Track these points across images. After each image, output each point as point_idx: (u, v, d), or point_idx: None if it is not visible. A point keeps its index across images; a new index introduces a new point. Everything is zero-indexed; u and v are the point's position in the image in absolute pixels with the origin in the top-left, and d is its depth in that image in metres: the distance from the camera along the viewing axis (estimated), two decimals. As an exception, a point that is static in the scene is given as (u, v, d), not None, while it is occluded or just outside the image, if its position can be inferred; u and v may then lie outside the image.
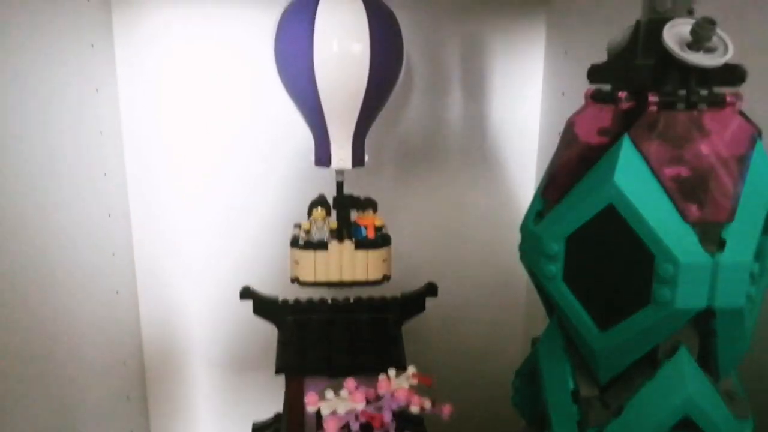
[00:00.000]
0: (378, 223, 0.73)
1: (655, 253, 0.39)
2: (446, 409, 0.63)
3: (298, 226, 0.73)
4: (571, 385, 0.45)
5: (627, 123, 0.42)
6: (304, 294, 0.74)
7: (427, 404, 0.62)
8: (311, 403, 0.59)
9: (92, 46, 0.78)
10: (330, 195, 0.72)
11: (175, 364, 0.95)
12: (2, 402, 0.58)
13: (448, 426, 0.66)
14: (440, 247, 0.95)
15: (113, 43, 0.84)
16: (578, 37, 0.82)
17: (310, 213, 0.71)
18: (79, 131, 0.74)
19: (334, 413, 0.58)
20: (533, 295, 0.57)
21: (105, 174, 0.81)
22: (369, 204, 0.73)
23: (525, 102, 0.94)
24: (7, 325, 0.59)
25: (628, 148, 0.40)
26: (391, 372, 0.63)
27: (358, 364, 0.69)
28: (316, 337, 0.72)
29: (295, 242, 0.70)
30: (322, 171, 0.71)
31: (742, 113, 0.42)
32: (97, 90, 0.79)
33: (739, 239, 0.39)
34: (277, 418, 0.80)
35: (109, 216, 0.82)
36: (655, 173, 0.40)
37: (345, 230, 0.70)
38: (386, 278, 0.72)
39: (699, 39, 0.40)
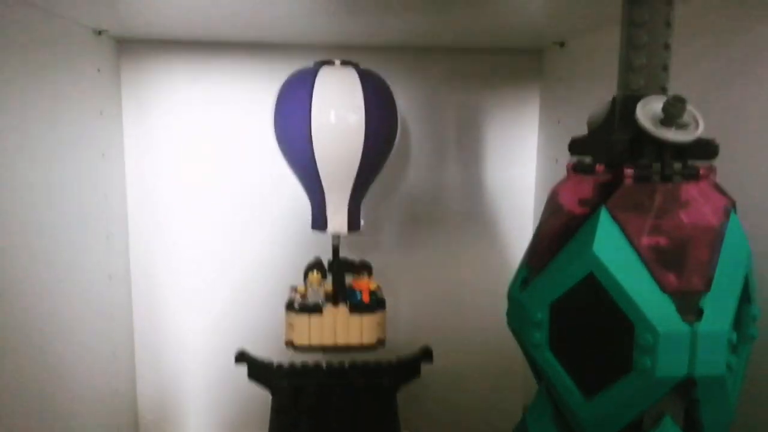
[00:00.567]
0: (373, 286, 0.74)
1: (634, 322, 0.40)
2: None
3: (294, 289, 0.75)
4: (558, 453, 0.45)
5: (605, 194, 0.43)
6: (298, 357, 0.75)
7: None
8: (302, 469, 0.59)
9: (101, 113, 0.81)
10: (326, 258, 0.73)
11: (169, 426, 0.95)
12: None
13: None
14: (438, 311, 0.96)
15: (121, 110, 0.87)
16: (570, 107, 0.85)
17: (306, 276, 0.72)
18: (84, 195, 0.76)
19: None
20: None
21: (107, 237, 0.83)
22: (364, 267, 0.74)
23: (521, 169, 0.96)
24: (12, 392, 0.59)
25: (606, 219, 0.42)
26: (384, 438, 0.63)
27: (351, 427, 0.68)
28: (310, 403, 0.72)
29: (290, 305, 0.71)
30: (320, 235, 0.73)
31: (716, 185, 0.44)
32: (103, 155, 0.81)
33: (717, 308, 0.40)
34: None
35: (110, 278, 0.84)
36: (633, 243, 0.41)
37: (340, 294, 0.71)
38: (381, 342, 0.72)
39: (670, 116, 0.42)
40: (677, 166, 0.43)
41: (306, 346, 0.70)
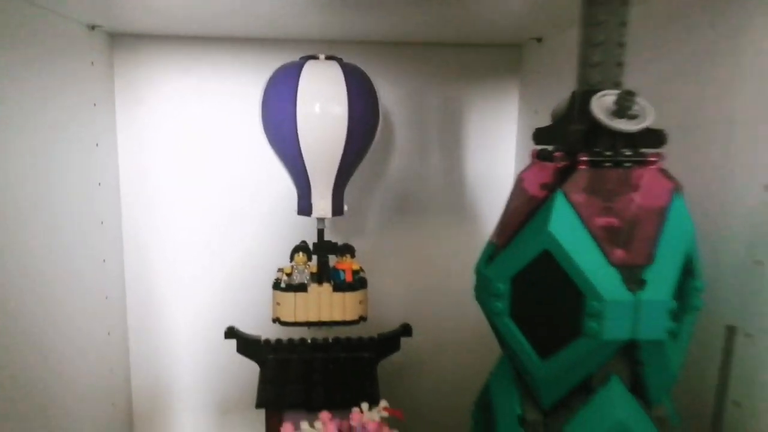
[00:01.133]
0: (355, 267, 0.78)
1: (584, 291, 0.45)
2: (415, 442, 0.67)
3: (280, 269, 0.79)
4: (519, 411, 0.50)
5: (562, 179, 0.48)
6: (285, 334, 0.79)
7: (396, 437, 0.66)
8: (288, 430, 0.64)
9: (94, 105, 0.84)
10: (311, 241, 0.78)
11: (162, 405, 0.99)
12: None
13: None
14: (418, 290, 1.01)
15: (114, 101, 0.91)
16: (547, 99, 0.90)
17: (292, 258, 0.76)
18: (79, 182, 0.80)
19: (308, 442, 0.62)
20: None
21: (101, 222, 0.87)
22: (347, 250, 0.78)
23: (500, 158, 1.01)
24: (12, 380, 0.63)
25: (561, 201, 0.46)
26: (364, 405, 0.68)
27: (333, 398, 0.73)
28: (296, 374, 0.77)
29: (277, 285, 0.75)
30: (305, 219, 0.77)
31: (663, 170, 0.49)
32: (97, 144, 0.85)
33: (658, 279, 0.45)
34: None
35: (104, 262, 0.88)
36: (585, 223, 0.46)
37: (324, 274, 0.76)
38: (362, 319, 0.77)
39: (622, 108, 0.47)
40: (628, 153, 0.48)
41: (292, 323, 0.74)
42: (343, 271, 0.77)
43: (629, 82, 0.50)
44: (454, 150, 1.00)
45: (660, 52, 0.64)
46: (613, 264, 0.45)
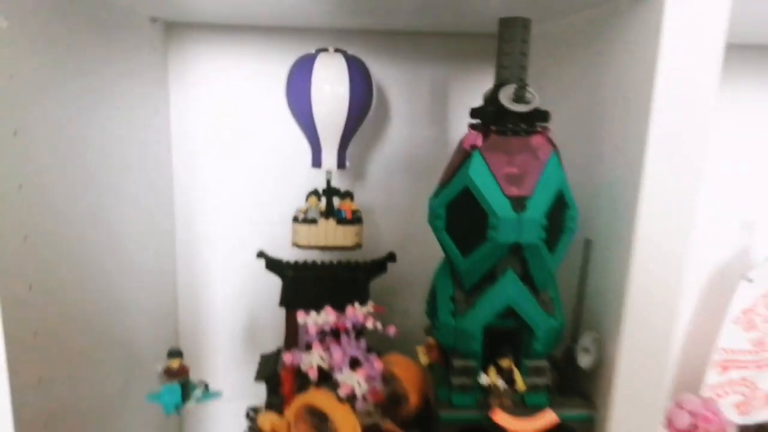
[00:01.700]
0: (354, 207, 1.05)
1: (488, 212, 0.71)
2: (391, 329, 0.94)
3: (299, 209, 1.06)
4: (450, 292, 0.77)
5: (481, 142, 0.74)
6: (301, 256, 1.06)
7: (378, 325, 0.93)
8: (300, 318, 0.91)
9: (154, 81, 1.11)
10: (322, 187, 1.04)
11: (204, 313, 1.28)
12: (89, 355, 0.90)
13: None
14: (407, 227, 1.27)
15: (167, 80, 1.17)
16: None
17: (307, 199, 1.03)
18: (142, 144, 1.07)
19: (314, 323, 0.90)
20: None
21: (158, 172, 1.14)
22: (348, 194, 1.05)
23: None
24: (92, 305, 0.91)
25: (478, 157, 0.73)
26: (356, 304, 0.95)
27: (335, 303, 1.00)
28: (308, 285, 1.04)
29: (295, 219, 1.02)
30: (317, 171, 1.04)
31: (548, 137, 0.75)
32: (156, 113, 1.12)
33: (535, 206, 0.71)
34: (279, 350, 1.11)
35: (156, 194, 1.15)
36: (492, 170, 0.72)
37: (330, 212, 1.03)
38: (358, 245, 1.04)
39: (518, 96, 0.72)
40: (523, 126, 0.74)
41: (306, 246, 1.01)
42: (344, 210, 1.04)
43: (533, 82, 0.76)
44: (439, 121, 1.24)
45: (554, 61, 0.89)
46: (507, 196, 0.71)
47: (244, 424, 0.99)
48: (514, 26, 0.74)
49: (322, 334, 0.90)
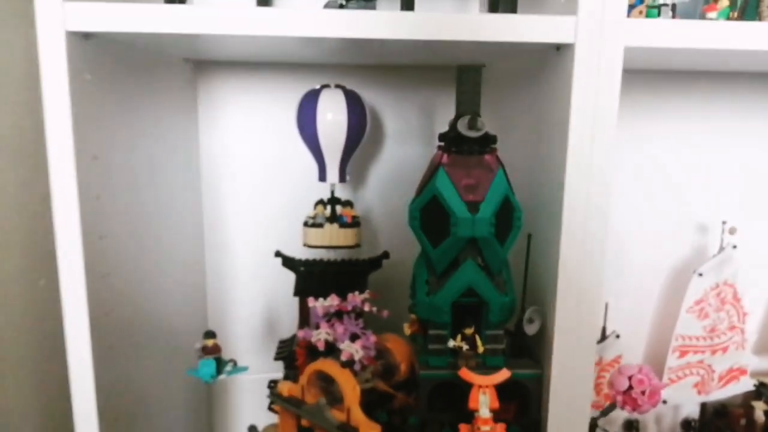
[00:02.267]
0: (354, 214, 1.27)
1: (451, 214, 0.93)
2: (384, 312, 1.16)
3: (308, 216, 1.28)
4: (425, 276, 0.99)
5: (445, 160, 0.96)
6: (310, 255, 1.29)
7: (374, 308, 1.15)
8: (311, 302, 1.13)
9: (186, 114, 1.34)
10: (327, 197, 1.26)
11: (230, 305, 1.50)
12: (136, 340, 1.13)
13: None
14: (398, 235, 1.45)
15: (197, 112, 1.40)
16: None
17: (314, 207, 1.26)
18: (177, 164, 1.30)
19: (322, 306, 1.12)
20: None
21: (192, 190, 1.37)
22: (348, 203, 1.27)
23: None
24: (145, 293, 1.14)
25: (442, 171, 0.94)
26: (356, 292, 1.17)
27: (339, 290, 1.22)
28: (316, 279, 1.26)
29: (305, 224, 1.24)
30: (323, 184, 1.26)
31: (496, 156, 0.97)
32: (187, 137, 1.35)
33: (486, 208, 0.92)
34: (294, 335, 1.33)
35: (192, 225, 1.38)
36: (453, 182, 0.94)
37: (334, 217, 1.25)
38: (357, 245, 1.25)
39: (471, 125, 0.94)
40: (477, 147, 0.96)
41: (314, 246, 1.24)
42: (346, 216, 1.26)
43: (488, 112, 0.98)
44: (425, 142, 1.43)
45: (505, 95, 1.12)
46: (465, 201, 0.93)
47: (266, 393, 1.21)
48: (468, 71, 0.96)
49: (328, 315, 1.12)
